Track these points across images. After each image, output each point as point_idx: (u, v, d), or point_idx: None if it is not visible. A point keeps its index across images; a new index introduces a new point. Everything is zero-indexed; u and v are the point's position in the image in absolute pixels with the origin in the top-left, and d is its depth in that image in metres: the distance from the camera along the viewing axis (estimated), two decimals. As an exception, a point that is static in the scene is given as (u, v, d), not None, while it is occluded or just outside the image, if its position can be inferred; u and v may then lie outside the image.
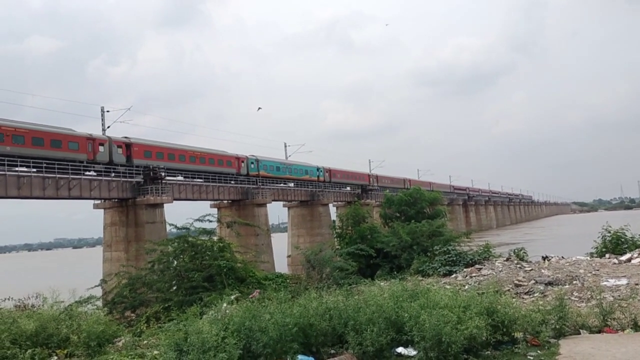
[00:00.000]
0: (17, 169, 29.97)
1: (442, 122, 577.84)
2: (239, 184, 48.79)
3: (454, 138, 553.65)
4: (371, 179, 77.53)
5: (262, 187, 50.16)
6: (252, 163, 50.15)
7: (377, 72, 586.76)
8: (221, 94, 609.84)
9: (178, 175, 42.88)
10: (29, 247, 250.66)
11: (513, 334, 9.29)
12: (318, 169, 62.40)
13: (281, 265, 44.65)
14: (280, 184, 56.27)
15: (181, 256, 18.75)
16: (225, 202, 47.86)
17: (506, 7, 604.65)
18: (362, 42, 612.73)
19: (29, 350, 9.33)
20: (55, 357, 9.81)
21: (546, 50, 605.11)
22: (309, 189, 59.11)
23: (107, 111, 40.53)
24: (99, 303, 15.93)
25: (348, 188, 71.68)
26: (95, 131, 37.52)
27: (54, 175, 31.62)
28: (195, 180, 43.57)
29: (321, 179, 62.60)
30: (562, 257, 19.45)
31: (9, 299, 14.58)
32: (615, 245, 20.46)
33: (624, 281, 13.99)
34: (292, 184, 57.91)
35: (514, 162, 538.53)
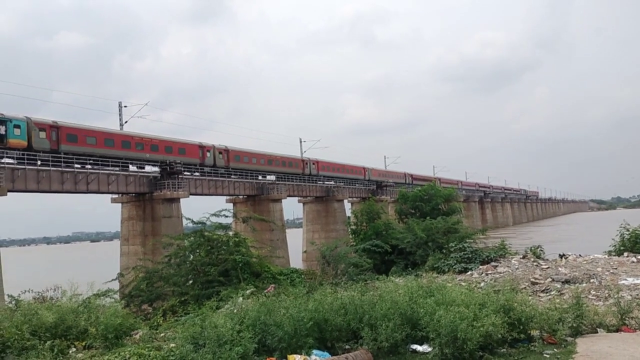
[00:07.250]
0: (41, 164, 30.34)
1: (463, 119, 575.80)
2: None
3: (474, 134, 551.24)
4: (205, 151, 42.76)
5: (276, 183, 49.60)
6: None
7: (399, 67, 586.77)
8: (243, 90, 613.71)
9: None
10: (47, 241, 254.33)
11: (529, 332, 9.26)
12: (8, 120, 28.07)
13: (296, 260, 44.80)
14: None
15: (197, 250, 18.88)
16: (241, 197, 48.03)
17: (530, 2, 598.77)
18: (385, 37, 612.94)
19: (49, 342, 9.50)
20: (74, 349, 9.97)
21: (570, 47, 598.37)
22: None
23: (125, 106, 40.86)
24: (117, 296, 16.10)
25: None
26: (114, 126, 38.24)
27: (73, 170, 31.76)
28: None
29: (19, 142, 28.65)
30: (580, 255, 19.27)
31: (28, 291, 14.80)
32: (634, 243, 20.24)
33: (643, 280, 13.83)
34: None
35: (533, 159, 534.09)
